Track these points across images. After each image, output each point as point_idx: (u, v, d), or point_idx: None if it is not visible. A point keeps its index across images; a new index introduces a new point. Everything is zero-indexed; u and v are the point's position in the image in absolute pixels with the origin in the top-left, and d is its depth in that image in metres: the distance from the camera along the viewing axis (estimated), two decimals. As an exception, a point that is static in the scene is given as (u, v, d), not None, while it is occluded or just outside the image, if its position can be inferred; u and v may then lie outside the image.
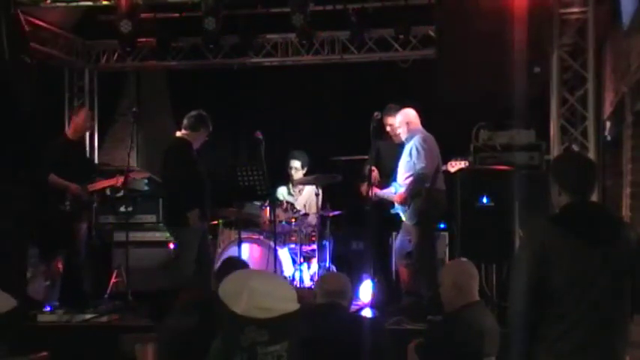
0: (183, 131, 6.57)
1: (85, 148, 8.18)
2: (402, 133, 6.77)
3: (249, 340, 2.00)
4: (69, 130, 7.32)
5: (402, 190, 6.72)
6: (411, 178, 6.60)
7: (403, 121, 6.75)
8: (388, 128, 7.11)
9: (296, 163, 7.84)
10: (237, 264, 4.32)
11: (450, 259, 7.22)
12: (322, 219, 7.51)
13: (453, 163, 6.88)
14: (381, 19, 7.97)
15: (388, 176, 7.02)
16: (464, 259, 4.74)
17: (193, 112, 6.56)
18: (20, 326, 2.19)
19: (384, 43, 8.21)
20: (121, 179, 7.02)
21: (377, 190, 6.89)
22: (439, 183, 6.72)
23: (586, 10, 6.55)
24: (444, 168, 6.87)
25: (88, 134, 8.32)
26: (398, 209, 6.78)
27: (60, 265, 7.36)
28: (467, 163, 6.79)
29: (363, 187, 7.07)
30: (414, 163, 6.57)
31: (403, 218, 6.75)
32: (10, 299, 2.15)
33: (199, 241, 6.49)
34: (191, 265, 6.36)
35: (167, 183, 6.71)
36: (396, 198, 6.75)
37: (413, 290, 6.71)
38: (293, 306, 2.08)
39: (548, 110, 6.83)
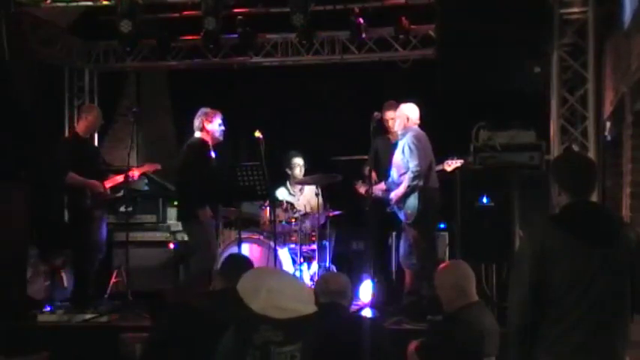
0: (197, 132, 6.68)
1: (95, 145, 8.16)
2: (398, 125, 6.81)
3: (263, 339, 1.99)
4: (79, 128, 7.31)
5: (397, 189, 6.73)
6: (404, 176, 6.63)
7: (403, 115, 6.79)
8: (390, 122, 7.15)
9: (299, 161, 7.87)
10: (241, 262, 4.31)
11: (450, 259, 7.22)
12: (322, 219, 7.53)
13: (450, 162, 6.89)
14: (381, 19, 7.97)
15: (386, 174, 7.04)
16: (460, 261, 4.74)
17: (199, 112, 6.71)
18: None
19: (384, 43, 8.21)
20: (136, 171, 7.07)
21: (375, 189, 6.92)
22: (432, 181, 6.75)
23: (586, 10, 6.55)
24: (440, 167, 6.89)
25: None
26: (394, 208, 6.81)
27: (61, 265, 7.37)
28: (463, 162, 6.80)
29: (358, 186, 7.10)
30: (407, 162, 6.60)
31: (400, 217, 6.77)
32: None
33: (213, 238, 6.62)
34: (204, 262, 6.45)
35: (181, 179, 6.80)
36: (392, 195, 6.76)
37: (414, 291, 6.72)
38: (310, 308, 2.06)
39: (548, 110, 6.83)
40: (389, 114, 7.13)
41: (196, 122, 6.69)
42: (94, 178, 6.96)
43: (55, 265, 7.45)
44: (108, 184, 7.08)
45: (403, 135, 6.76)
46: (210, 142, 6.67)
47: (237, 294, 2.04)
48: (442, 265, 4.17)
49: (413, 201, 6.63)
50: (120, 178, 7.09)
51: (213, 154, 6.70)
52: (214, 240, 6.84)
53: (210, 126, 6.67)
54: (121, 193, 7.40)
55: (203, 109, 6.71)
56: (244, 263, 4.21)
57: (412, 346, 3.99)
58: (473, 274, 3.99)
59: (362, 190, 7.22)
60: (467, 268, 4.04)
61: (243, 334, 2.02)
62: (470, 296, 3.92)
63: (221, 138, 6.76)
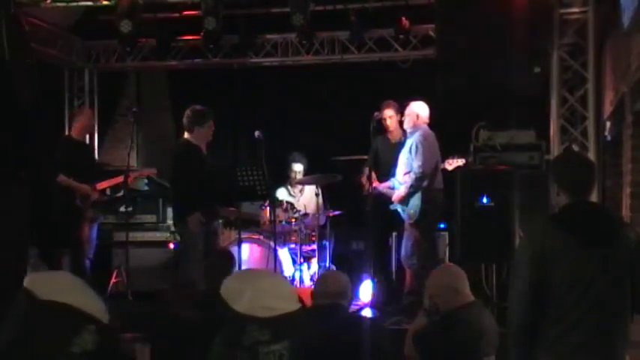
0: (186, 134, 6.49)
1: (89, 148, 8.17)
2: (407, 122, 6.82)
3: (251, 339, 1.99)
4: (73, 131, 7.34)
5: (400, 188, 6.74)
6: (407, 177, 6.63)
7: (413, 113, 6.80)
8: (388, 121, 7.15)
9: (298, 167, 7.84)
10: (221, 260, 4.32)
11: (450, 259, 7.22)
12: (322, 219, 7.53)
13: (451, 161, 6.89)
14: (381, 19, 7.97)
15: (385, 174, 7.05)
16: (450, 264, 4.73)
17: (187, 111, 6.43)
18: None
19: (384, 43, 8.21)
20: (129, 177, 7.05)
21: (377, 185, 6.93)
22: (437, 182, 6.75)
23: (586, 10, 6.56)
24: (442, 166, 6.88)
25: (88, 134, 8.31)
26: (397, 207, 6.81)
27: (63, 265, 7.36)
28: (464, 161, 6.81)
29: (363, 179, 7.07)
30: (412, 161, 6.61)
31: (403, 216, 6.77)
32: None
33: (206, 240, 6.50)
34: (195, 265, 6.38)
35: (170, 184, 6.77)
36: (394, 197, 6.77)
37: (414, 291, 6.72)
38: (295, 305, 2.08)
39: (548, 110, 6.83)
40: (387, 112, 7.15)
41: (185, 121, 6.42)
42: (87, 179, 6.97)
43: (55, 264, 7.45)
44: (100, 186, 7.09)
45: (412, 133, 6.77)
46: (199, 144, 6.41)
47: (220, 297, 2.05)
48: (434, 271, 4.15)
49: (415, 201, 6.64)
50: (112, 182, 7.10)
51: (204, 154, 6.46)
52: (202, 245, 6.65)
53: (200, 129, 6.38)
54: (121, 193, 7.41)
55: (193, 108, 6.40)
56: (223, 261, 4.20)
57: (410, 333, 3.98)
58: (465, 275, 3.98)
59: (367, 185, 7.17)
60: (458, 270, 4.02)
61: (230, 337, 2.03)
62: (465, 296, 3.91)
63: (210, 139, 6.51)
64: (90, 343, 2.05)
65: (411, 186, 6.61)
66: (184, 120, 6.45)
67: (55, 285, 2.06)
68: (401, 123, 7.06)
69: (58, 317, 1.99)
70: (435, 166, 6.72)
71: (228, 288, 2.08)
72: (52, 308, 1.99)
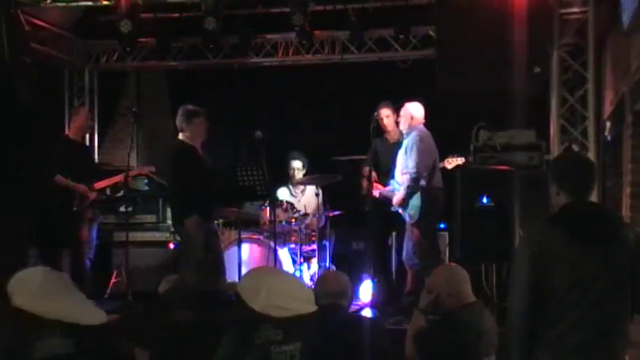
0: (180, 134, 6.46)
1: (87, 147, 8.17)
2: (403, 123, 6.84)
3: (263, 338, 1.99)
4: (70, 131, 7.36)
5: (399, 191, 6.74)
6: (404, 177, 6.64)
7: (408, 114, 6.81)
8: (385, 121, 7.16)
9: (297, 164, 7.85)
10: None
11: (450, 259, 7.23)
12: (322, 219, 7.53)
13: (450, 159, 6.90)
14: (381, 19, 7.97)
15: (385, 175, 7.05)
16: (452, 264, 4.73)
17: (178, 111, 6.43)
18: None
19: (384, 43, 8.21)
20: (129, 176, 7.03)
21: (381, 189, 6.93)
22: (436, 180, 6.76)
23: (586, 10, 6.56)
24: (441, 165, 6.90)
25: (88, 134, 8.32)
26: (397, 208, 6.81)
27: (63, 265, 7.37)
28: (463, 160, 6.81)
29: (365, 184, 7.08)
30: (407, 162, 6.62)
31: (404, 216, 6.78)
32: (101, 313, 2.21)
33: (206, 240, 6.47)
34: (195, 265, 6.38)
35: (169, 186, 6.79)
36: (394, 201, 6.77)
37: (414, 291, 6.71)
38: (310, 307, 2.07)
39: (548, 110, 6.83)
40: (383, 112, 7.17)
41: (177, 122, 6.40)
42: (84, 180, 6.97)
43: (55, 264, 7.46)
44: (99, 185, 7.09)
45: (407, 134, 6.79)
46: (193, 143, 6.38)
47: (237, 294, 2.05)
48: (436, 270, 4.14)
49: (415, 202, 6.64)
50: (112, 180, 7.10)
51: (200, 154, 6.41)
52: (203, 245, 6.62)
53: (191, 126, 6.36)
54: (120, 193, 7.41)
55: (184, 108, 6.40)
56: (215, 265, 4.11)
57: (410, 334, 3.98)
58: (467, 276, 3.97)
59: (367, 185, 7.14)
60: (461, 271, 4.01)
61: (243, 334, 2.03)
62: (466, 297, 3.90)
63: (205, 136, 6.46)
64: (58, 347, 2.02)
65: (408, 186, 6.63)
66: (177, 120, 6.45)
67: (29, 288, 2.04)
68: (397, 124, 7.08)
69: (17, 324, 1.97)
70: (432, 166, 6.73)
71: (244, 285, 2.07)
72: (15, 315, 1.97)
